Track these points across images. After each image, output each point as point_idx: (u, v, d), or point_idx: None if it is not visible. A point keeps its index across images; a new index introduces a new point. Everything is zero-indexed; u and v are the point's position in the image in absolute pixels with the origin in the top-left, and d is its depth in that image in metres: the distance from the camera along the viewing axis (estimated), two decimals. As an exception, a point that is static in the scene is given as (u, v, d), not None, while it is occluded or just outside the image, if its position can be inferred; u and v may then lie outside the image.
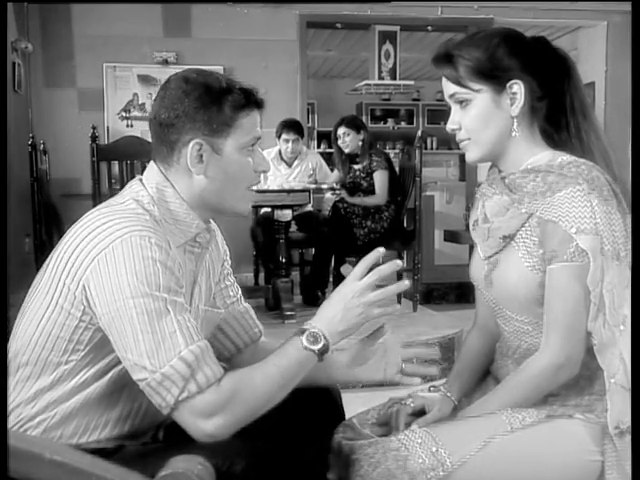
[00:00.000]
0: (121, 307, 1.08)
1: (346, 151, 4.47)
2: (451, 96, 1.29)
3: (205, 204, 1.24)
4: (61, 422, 1.17)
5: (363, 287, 1.19)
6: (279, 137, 4.60)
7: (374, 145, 4.58)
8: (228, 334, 1.41)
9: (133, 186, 1.25)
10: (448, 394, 1.40)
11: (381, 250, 1.22)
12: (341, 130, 4.43)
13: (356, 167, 4.47)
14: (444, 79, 1.29)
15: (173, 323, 1.08)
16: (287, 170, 4.69)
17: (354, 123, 4.49)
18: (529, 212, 1.24)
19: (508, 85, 1.25)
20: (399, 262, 1.23)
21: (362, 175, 4.41)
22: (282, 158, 4.70)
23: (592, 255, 1.16)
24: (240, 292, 1.45)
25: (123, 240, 1.09)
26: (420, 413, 1.36)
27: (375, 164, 4.36)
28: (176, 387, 1.07)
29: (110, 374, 1.18)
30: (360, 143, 4.41)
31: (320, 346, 1.16)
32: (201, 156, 1.20)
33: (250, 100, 1.22)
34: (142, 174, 1.28)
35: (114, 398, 1.20)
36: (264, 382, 1.13)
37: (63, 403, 1.17)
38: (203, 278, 1.31)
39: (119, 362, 1.14)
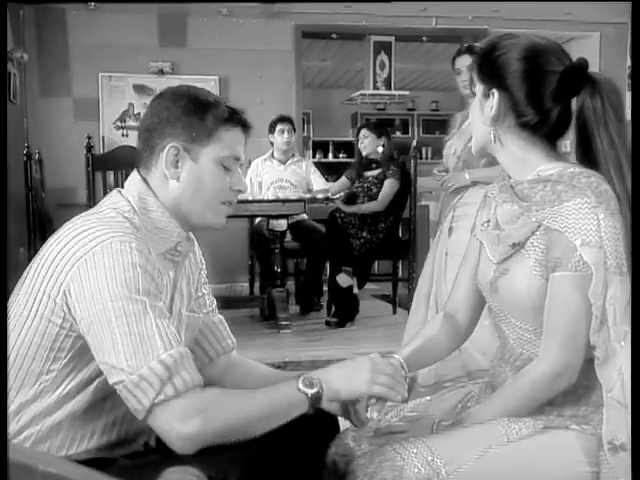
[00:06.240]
0: (100, 310, 1.07)
1: (363, 153, 4.51)
2: None
3: (180, 213, 1.26)
4: (48, 435, 1.16)
5: (381, 364, 1.23)
6: (273, 131, 4.61)
7: (396, 157, 4.58)
8: (201, 343, 1.42)
9: (111, 197, 1.27)
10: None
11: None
12: (362, 132, 4.51)
13: (369, 174, 4.48)
14: None
15: (152, 327, 1.08)
16: (280, 166, 4.71)
17: (375, 127, 4.57)
18: (538, 221, 1.24)
19: (490, 92, 1.27)
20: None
21: (374, 181, 4.42)
22: (274, 157, 4.72)
23: (595, 268, 1.15)
24: (215, 303, 1.46)
25: (103, 246, 1.10)
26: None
27: (391, 172, 4.38)
28: (152, 389, 1.05)
29: (94, 384, 1.17)
30: (380, 149, 4.44)
31: (314, 391, 1.16)
32: (177, 161, 1.24)
33: (233, 117, 1.26)
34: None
35: (99, 407, 1.19)
36: (249, 404, 1.13)
37: (48, 416, 1.15)
38: (183, 284, 1.33)
39: (102, 372, 1.13)
